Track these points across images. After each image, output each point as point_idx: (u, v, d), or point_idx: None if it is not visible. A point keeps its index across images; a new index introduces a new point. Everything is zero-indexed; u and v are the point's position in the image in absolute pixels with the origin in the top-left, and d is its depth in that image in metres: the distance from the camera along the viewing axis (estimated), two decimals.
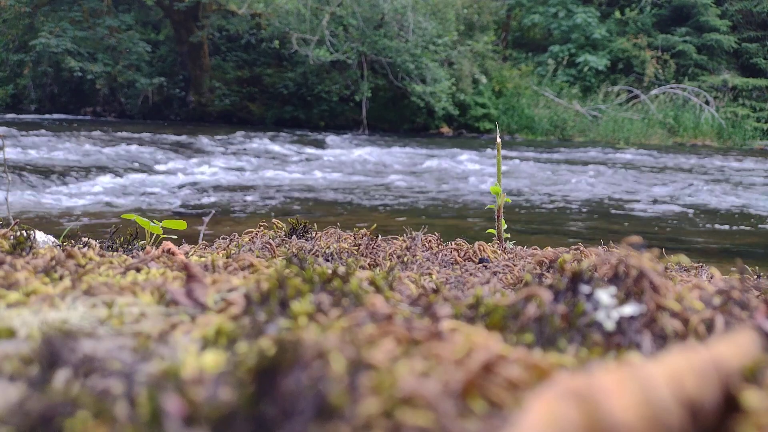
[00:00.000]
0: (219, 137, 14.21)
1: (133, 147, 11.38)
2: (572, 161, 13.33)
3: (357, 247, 1.58)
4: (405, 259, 1.50)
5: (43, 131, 12.89)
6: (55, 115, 19.98)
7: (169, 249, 1.25)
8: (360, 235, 1.66)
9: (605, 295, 0.75)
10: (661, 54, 23.90)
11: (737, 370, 0.49)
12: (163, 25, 22.99)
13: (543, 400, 0.41)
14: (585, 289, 0.76)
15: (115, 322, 0.77)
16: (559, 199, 8.88)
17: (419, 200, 8.49)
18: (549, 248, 1.68)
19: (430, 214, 7.64)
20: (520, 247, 1.89)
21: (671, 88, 22.90)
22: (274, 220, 1.84)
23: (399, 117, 20.77)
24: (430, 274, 1.31)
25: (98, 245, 1.43)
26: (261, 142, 14.12)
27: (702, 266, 1.52)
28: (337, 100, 20.33)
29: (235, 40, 21.91)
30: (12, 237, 1.16)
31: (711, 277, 1.34)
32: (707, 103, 22.40)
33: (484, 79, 21.01)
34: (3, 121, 15.41)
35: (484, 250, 1.63)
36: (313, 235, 1.74)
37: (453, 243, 1.67)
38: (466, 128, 20.87)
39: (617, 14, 24.74)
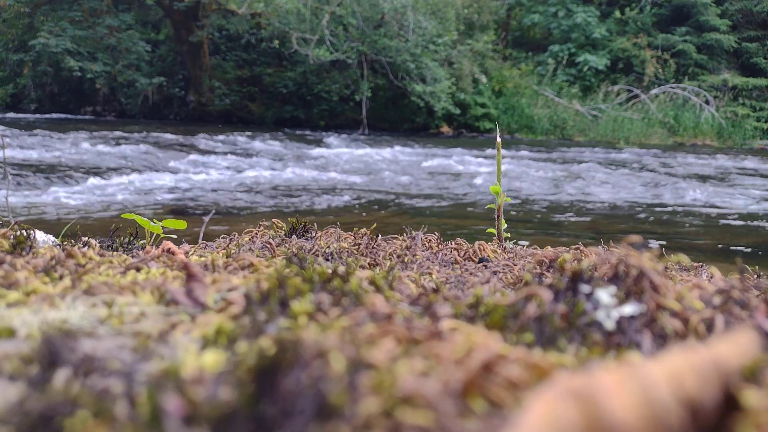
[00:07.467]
0: (219, 137, 14.20)
1: (133, 147, 11.38)
2: (572, 161, 13.32)
3: (357, 247, 1.58)
4: (405, 259, 1.50)
5: (43, 131, 12.88)
6: (55, 115, 19.97)
7: (169, 249, 1.25)
8: (360, 235, 1.66)
9: (605, 295, 0.75)
10: (661, 53, 23.89)
11: (737, 370, 0.49)
12: (163, 24, 22.98)
13: (543, 399, 0.41)
14: (585, 288, 0.76)
15: (115, 321, 0.77)
16: (559, 199, 8.87)
17: (419, 200, 8.49)
18: (549, 248, 1.68)
19: (430, 213, 7.64)
20: (520, 246, 1.89)
21: (671, 87, 22.90)
22: (274, 220, 1.84)
23: (399, 117, 20.76)
24: (430, 274, 1.31)
25: (98, 245, 1.43)
26: (261, 142, 14.12)
27: (702, 266, 1.52)
28: (337, 99, 20.33)
29: (235, 39, 21.90)
30: (12, 236, 1.16)
31: (711, 277, 1.34)
32: (707, 102, 22.39)
33: (484, 79, 21.01)
34: (3, 121, 15.40)
35: (484, 249, 1.63)
36: (313, 234, 1.74)
37: (453, 242, 1.67)
38: (466, 128, 20.87)
39: (617, 14, 24.73)
